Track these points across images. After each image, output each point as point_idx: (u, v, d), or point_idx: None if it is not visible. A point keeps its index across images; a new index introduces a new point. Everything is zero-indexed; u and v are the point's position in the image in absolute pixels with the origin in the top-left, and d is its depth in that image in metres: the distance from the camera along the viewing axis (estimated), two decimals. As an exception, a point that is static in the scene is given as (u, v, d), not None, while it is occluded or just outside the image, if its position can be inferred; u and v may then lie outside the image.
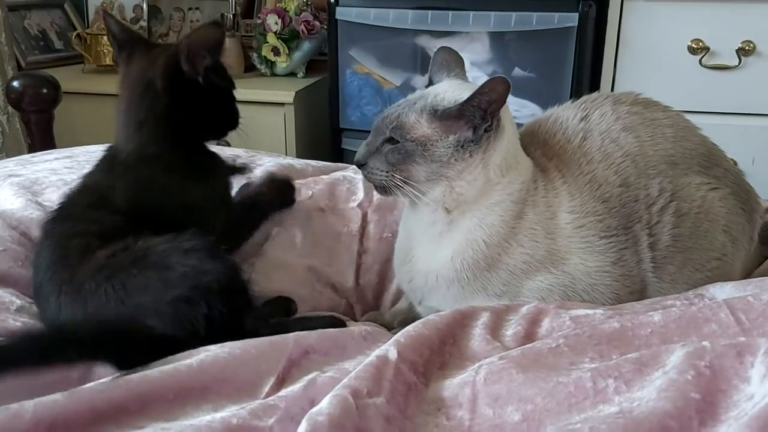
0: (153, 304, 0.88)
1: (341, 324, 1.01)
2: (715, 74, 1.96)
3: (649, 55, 2.00)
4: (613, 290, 0.99)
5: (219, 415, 0.72)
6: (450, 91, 0.99)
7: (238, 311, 0.92)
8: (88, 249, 0.94)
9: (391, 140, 0.98)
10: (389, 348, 0.79)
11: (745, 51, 1.92)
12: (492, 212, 0.98)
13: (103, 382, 0.76)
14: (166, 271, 0.90)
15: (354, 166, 1.43)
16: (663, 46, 1.98)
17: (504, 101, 0.95)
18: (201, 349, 0.81)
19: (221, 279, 0.91)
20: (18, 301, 0.97)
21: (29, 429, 0.69)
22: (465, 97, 0.94)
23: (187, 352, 0.81)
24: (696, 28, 1.95)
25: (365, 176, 1.01)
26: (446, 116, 0.96)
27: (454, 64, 1.07)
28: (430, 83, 1.06)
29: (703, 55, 1.94)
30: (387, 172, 0.98)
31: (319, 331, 0.89)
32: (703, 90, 1.96)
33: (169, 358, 0.81)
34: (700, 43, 1.94)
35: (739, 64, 1.92)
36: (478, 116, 0.94)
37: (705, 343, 0.72)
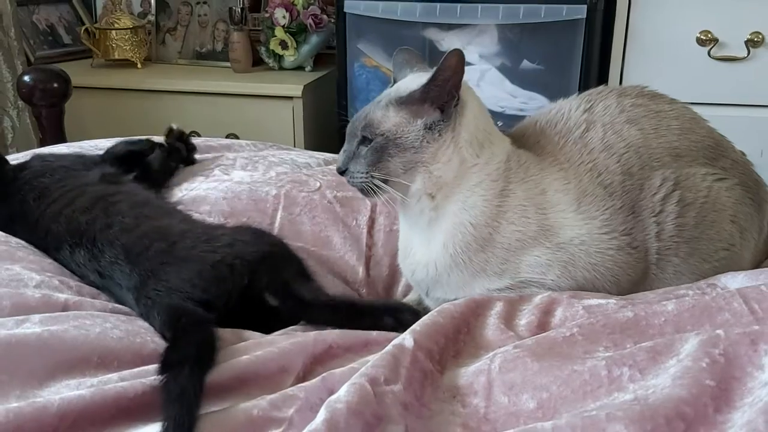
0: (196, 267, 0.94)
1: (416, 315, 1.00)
2: (723, 66, 1.95)
3: (658, 47, 2.00)
4: (614, 274, 0.99)
5: (241, 406, 0.73)
6: (410, 81, 1.02)
7: (289, 281, 0.99)
8: None
9: (364, 141, 0.99)
10: (406, 336, 0.80)
11: (753, 42, 1.91)
12: (473, 193, 0.99)
13: (124, 382, 0.77)
14: (213, 241, 0.98)
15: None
16: (671, 37, 1.98)
17: (461, 73, 0.96)
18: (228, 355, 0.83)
19: (265, 251, 0.99)
20: (37, 276, 0.98)
21: (54, 423, 0.70)
22: (417, 87, 0.97)
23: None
24: (704, 19, 1.94)
25: (348, 182, 1.01)
26: (411, 101, 0.97)
27: (415, 60, 1.08)
28: (394, 84, 1.07)
29: (712, 47, 1.94)
30: (366, 173, 0.98)
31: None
32: (712, 82, 1.96)
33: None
34: (709, 35, 1.94)
35: (747, 55, 1.92)
36: (443, 94, 0.96)
37: (719, 331, 0.73)
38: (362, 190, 1.00)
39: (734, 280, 0.93)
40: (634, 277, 1.01)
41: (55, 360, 0.79)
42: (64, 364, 0.79)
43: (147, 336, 0.86)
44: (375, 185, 0.98)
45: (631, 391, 0.70)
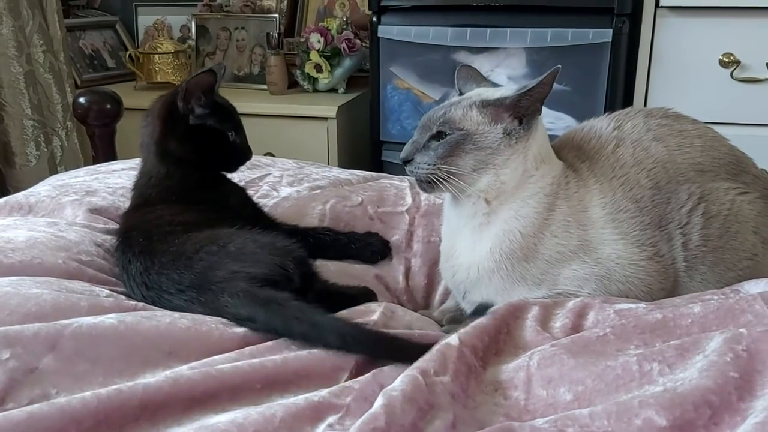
0: (252, 255, 1.02)
1: (374, 296, 1.16)
2: (745, 87, 2.01)
3: (682, 69, 2.06)
4: (647, 284, 1.06)
5: (303, 396, 0.80)
6: (491, 92, 1.10)
7: (311, 277, 1.07)
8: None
9: (437, 136, 1.06)
10: (453, 336, 0.87)
11: (775, 64, 1.97)
12: (527, 204, 1.06)
13: (195, 371, 0.83)
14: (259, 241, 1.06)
15: (399, 177, 1.54)
16: (695, 60, 2.04)
17: (550, 91, 1.04)
18: (282, 340, 0.90)
19: (301, 252, 1.06)
20: (106, 290, 1.05)
21: (137, 413, 0.76)
22: (508, 94, 1.05)
23: (272, 345, 0.90)
24: (727, 42, 2.00)
25: (410, 172, 1.08)
26: (497, 106, 1.05)
27: (480, 77, 1.18)
28: (461, 94, 1.16)
29: (734, 69, 2.00)
30: (434, 165, 1.05)
31: (388, 331, 0.97)
32: (735, 102, 2.01)
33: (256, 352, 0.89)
34: (731, 57, 2.00)
35: (770, 77, 1.98)
36: (531, 106, 1.04)
37: (742, 330, 0.79)
38: (423, 182, 1.07)
39: (756, 287, 0.99)
40: (666, 285, 1.07)
41: (131, 349, 0.86)
42: (139, 354, 0.86)
43: (212, 324, 0.93)
44: (439, 178, 1.04)
45: (661, 383, 0.76)
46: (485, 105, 1.06)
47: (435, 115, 1.08)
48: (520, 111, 1.05)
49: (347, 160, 2.49)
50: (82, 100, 1.83)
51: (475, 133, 1.05)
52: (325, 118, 2.42)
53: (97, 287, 1.05)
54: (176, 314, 0.95)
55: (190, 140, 1.19)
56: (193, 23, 2.80)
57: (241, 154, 1.25)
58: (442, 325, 1.16)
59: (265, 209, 1.33)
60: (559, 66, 1.01)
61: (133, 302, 1.01)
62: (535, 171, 1.07)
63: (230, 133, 1.22)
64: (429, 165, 1.05)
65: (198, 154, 1.20)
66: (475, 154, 1.05)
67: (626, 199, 1.07)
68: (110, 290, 1.06)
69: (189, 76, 1.21)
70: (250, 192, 1.40)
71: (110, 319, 0.90)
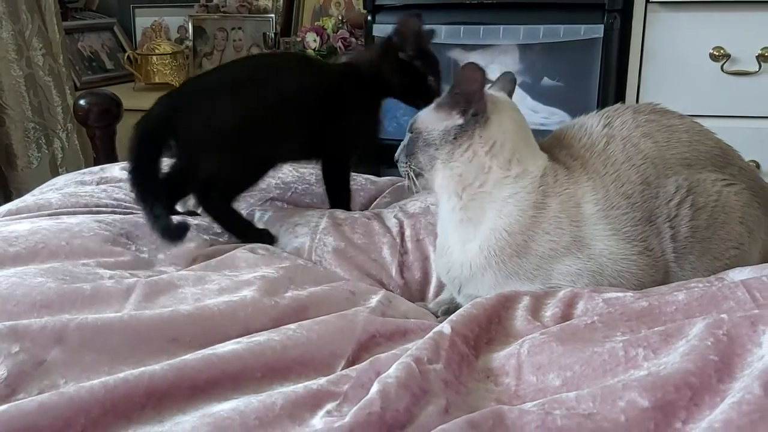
0: None
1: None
2: (736, 80, 2.03)
3: (673, 63, 2.08)
4: (638, 278, 1.08)
5: (302, 384, 0.83)
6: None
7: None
8: None
9: (412, 138, 1.16)
10: (444, 325, 0.90)
11: (764, 57, 1.99)
12: (507, 204, 1.10)
13: (197, 360, 0.86)
14: None
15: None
16: (686, 54, 2.06)
17: (474, 85, 1.09)
18: (282, 328, 0.94)
19: None
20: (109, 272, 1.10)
21: (143, 402, 0.79)
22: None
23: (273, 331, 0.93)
24: (717, 36, 2.03)
25: (399, 169, 1.19)
26: (442, 105, 1.14)
27: (505, 82, 1.26)
28: None
29: (725, 62, 2.02)
30: (406, 163, 1.16)
31: (385, 318, 1.01)
32: (725, 95, 2.04)
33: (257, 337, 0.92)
34: (722, 51, 2.02)
35: (759, 69, 2.00)
36: (462, 102, 1.10)
37: (723, 315, 0.82)
38: (405, 178, 1.18)
39: (740, 274, 1.02)
40: (657, 278, 1.10)
41: (136, 338, 0.89)
42: (143, 342, 0.89)
43: (215, 308, 0.97)
44: (410, 174, 1.16)
45: (646, 368, 0.79)
46: (437, 105, 1.15)
47: (413, 117, 1.18)
48: (461, 107, 1.11)
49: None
50: (82, 102, 1.86)
51: (425, 131, 1.14)
52: (322, 117, 2.44)
53: (100, 269, 1.09)
54: (179, 303, 0.98)
55: (399, 70, 1.43)
56: (190, 24, 2.82)
57: (431, 97, 1.33)
58: (437, 316, 1.19)
59: None
60: (473, 63, 1.08)
61: (133, 280, 1.05)
62: (506, 171, 1.10)
63: (430, 78, 1.44)
64: (404, 163, 1.17)
65: (400, 80, 1.44)
66: (426, 151, 1.13)
67: (618, 195, 1.10)
68: (113, 267, 1.10)
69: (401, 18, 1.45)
70: None
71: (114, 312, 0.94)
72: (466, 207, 1.12)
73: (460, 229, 1.14)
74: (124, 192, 1.52)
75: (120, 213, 1.37)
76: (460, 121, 1.11)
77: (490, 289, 1.11)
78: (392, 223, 1.42)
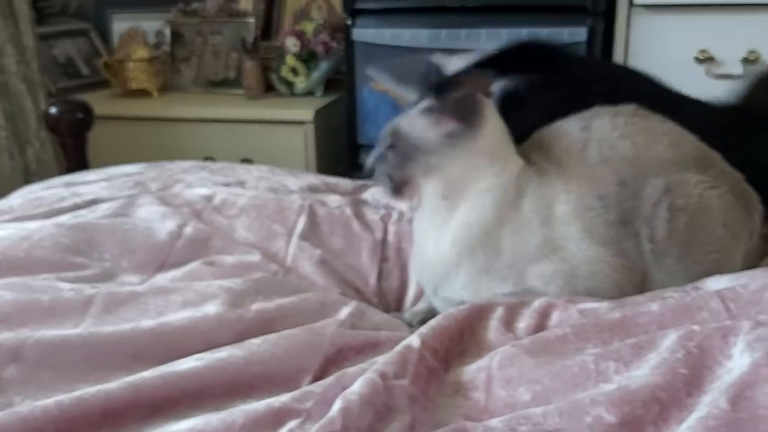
0: None
1: None
2: (721, 83, 2.01)
3: (657, 67, 2.03)
4: (614, 280, 1.06)
5: (264, 402, 0.81)
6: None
7: None
8: None
9: (392, 146, 1.10)
10: (413, 338, 0.88)
11: (749, 60, 1.99)
12: (482, 197, 1.08)
13: (156, 377, 0.84)
14: None
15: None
16: (670, 57, 2.06)
17: (487, 93, 1.09)
18: (246, 342, 0.91)
19: None
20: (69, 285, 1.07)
21: (99, 421, 0.77)
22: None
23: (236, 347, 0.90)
24: (702, 39, 2.03)
25: (374, 182, 1.15)
26: (433, 111, 1.09)
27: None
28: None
29: (710, 66, 2.01)
30: (390, 174, 1.11)
31: (354, 331, 0.98)
32: (710, 98, 2.03)
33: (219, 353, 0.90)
34: (706, 54, 2.01)
35: (744, 73, 1.99)
36: (464, 108, 1.07)
37: (695, 327, 0.81)
38: (387, 190, 1.13)
39: (718, 283, 1.00)
40: (635, 281, 1.08)
41: (95, 355, 0.87)
42: (103, 359, 0.87)
43: (176, 324, 0.94)
44: (396, 184, 1.11)
45: (616, 381, 0.77)
46: (427, 111, 1.09)
47: (389, 126, 1.12)
48: (458, 113, 1.08)
49: (325, 164, 2.49)
50: (53, 110, 1.83)
51: (413, 138, 1.09)
52: (303, 122, 2.42)
53: (59, 282, 1.07)
54: (141, 316, 0.96)
55: None
56: (167, 29, 2.79)
57: None
58: (412, 326, 1.17)
59: None
60: (488, 73, 1.08)
61: (93, 291, 1.02)
62: (489, 167, 1.09)
63: None
64: (386, 175, 1.11)
65: None
66: (415, 158, 1.09)
67: (592, 196, 1.08)
68: (73, 280, 1.08)
69: None
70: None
71: (74, 329, 0.91)
72: (450, 207, 1.11)
73: (440, 228, 1.12)
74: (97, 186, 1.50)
75: (84, 211, 1.34)
76: (457, 126, 1.08)
77: (463, 289, 1.10)
78: (375, 220, 1.40)
